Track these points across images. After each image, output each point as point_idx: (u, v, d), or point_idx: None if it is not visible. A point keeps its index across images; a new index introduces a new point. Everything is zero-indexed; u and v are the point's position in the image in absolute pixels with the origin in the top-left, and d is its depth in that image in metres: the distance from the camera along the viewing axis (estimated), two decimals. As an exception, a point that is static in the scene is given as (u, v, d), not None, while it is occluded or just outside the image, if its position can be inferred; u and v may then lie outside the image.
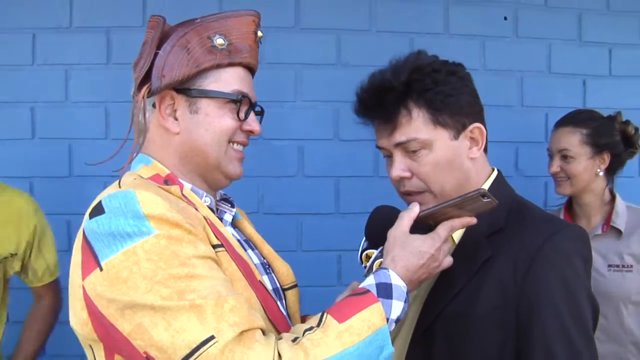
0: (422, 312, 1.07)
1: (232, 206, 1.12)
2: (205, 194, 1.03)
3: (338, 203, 2.17)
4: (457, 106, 1.04)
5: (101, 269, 0.82)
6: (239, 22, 1.02)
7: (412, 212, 1.00)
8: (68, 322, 0.92)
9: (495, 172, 1.13)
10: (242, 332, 0.80)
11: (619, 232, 1.81)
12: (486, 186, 1.09)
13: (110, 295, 0.81)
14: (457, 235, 1.07)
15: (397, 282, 0.92)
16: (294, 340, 0.83)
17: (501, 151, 2.24)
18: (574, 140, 1.81)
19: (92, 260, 0.84)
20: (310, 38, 2.13)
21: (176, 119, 1.00)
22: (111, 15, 2.05)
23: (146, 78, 0.97)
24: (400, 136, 1.03)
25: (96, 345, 0.89)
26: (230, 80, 1.01)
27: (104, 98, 2.04)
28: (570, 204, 1.94)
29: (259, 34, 1.06)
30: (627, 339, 1.78)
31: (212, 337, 0.78)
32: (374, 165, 2.17)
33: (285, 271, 1.11)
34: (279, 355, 0.80)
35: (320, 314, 0.88)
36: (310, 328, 0.85)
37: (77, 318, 0.88)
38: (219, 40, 0.99)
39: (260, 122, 1.08)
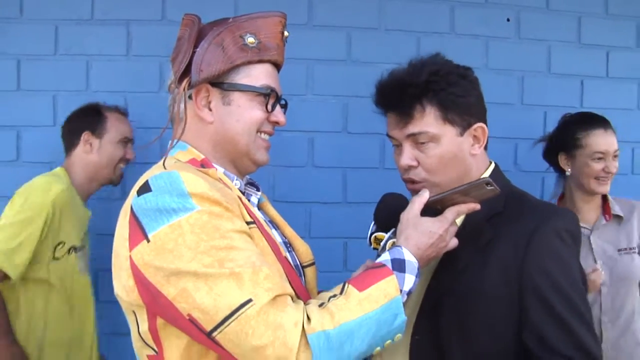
0: (429, 287, 1.16)
1: (258, 190, 1.21)
2: (235, 177, 1.11)
3: (345, 193, 2.24)
4: (465, 106, 1.14)
5: (148, 241, 0.90)
6: (267, 22, 1.11)
7: (422, 197, 1.10)
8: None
9: (493, 165, 1.24)
10: (275, 297, 0.88)
11: (619, 219, 1.96)
12: (485, 176, 1.19)
13: (158, 263, 0.89)
14: (459, 219, 1.16)
15: (410, 258, 1.02)
16: (321, 305, 0.92)
17: (501, 147, 2.32)
18: (616, 142, 1.95)
19: (140, 233, 0.92)
20: (322, 35, 2.20)
21: (210, 110, 1.08)
22: (131, 8, 2.12)
23: (185, 72, 1.05)
24: (413, 128, 1.13)
25: (139, 310, 0.97)
26: (259, 75, 1.10)
27: (123, 88, 2.12)
28: (561, 200, 2.07)
29: (285, 33, 1.15)
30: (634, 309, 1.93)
31: (250, 300, 0.86)
32: (380, 158, 2.25)
33: (304, 250, 1.20)
34: (308, 317, 0.88)
35: (342, 284, 0.98)
36: (334, 295, 0.95)
37: (123, 286, 0.96)
38: (250, 39, 1.07)
39: (284, 114, 1.18)
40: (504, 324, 1.09)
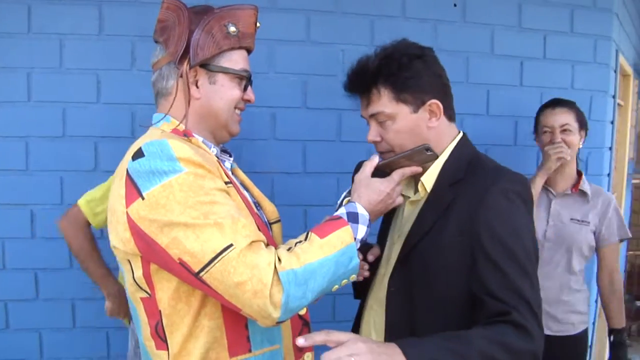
0: (402, 247, 1.31)
1: (230, 156, 1.37)
2: (212, 145, 1.27)
3: (305, 163, 2.40)
4: (416, 86, 1.26)
5: (143, 198, 1.04)
6: (244, 14, 1.25)
7: (372, 162, 1.29)
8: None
9: (460, 135, 1.36)
10: (251, 242, 1.04)
11: (584, 195, 2.24)
12: (451, 147, 1.32)
13: (152, 217, 1.03)
14: (429, 186, 1.31)
15: (362, 212, 1.20)
16: (289, 249, 1.09)
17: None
18: (571, 118, 2.22)
19: (135, 192, 1.06)
20: (283, 17, 2.32)
21: (197, 87, 1.22)
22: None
23: (183, 55, 1.19)
24: (372, 109, 1.30)
25: (134, 259, 1.11)
26: (239, 60, 1.26)
27: (96, 66, 2.22)
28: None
29: (258, 24, 1.31)
30: (569, 278, 2.23)
31: (231, 245, 1.01)
32: (336, 131, 2.41)
33: (271, 209, 1.37)
34: (279, 258, 1.05)
35: (305, 232, 1.14)
36: (300, 241, 1.11)
37: (120, 237, 1.10)
38: (232, 28, 1.22)
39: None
40: (457, 272, 1.22)
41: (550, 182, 2.28)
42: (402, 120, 1.28)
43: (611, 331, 2.27)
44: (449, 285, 1.23)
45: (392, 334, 1.31)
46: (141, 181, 1.05)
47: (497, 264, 1.15)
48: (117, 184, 1.12)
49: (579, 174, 2.30)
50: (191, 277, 1.04)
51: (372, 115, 1.30)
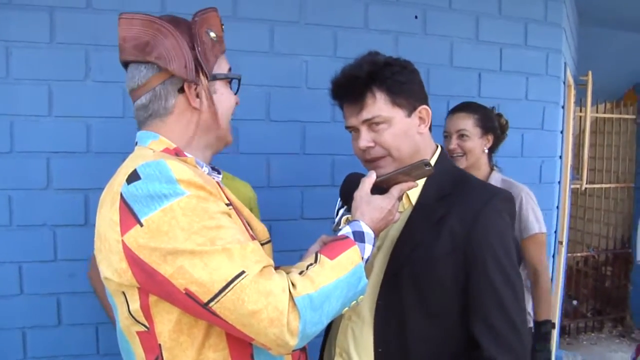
0: (391, 258, 1.31)
1: (219, 173, 1.29)
2: (204, 164, 1.19)
3: (269, 177, 2.35)
4: (410, 92, 1.31)
5: (141, 225, 0.97)
6: (212, 17, 1.20)
7: (371, 178, 1.27)
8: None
9: (440, 149, 1.40)
10: (263, 268, 1.00)
11: None
12: (434, 159, 1.36)
13: (154, 245, 0.96)
14: (414, 199, 1.34)
15: (367, 230, 1.18)
16: (301, 273, 1.05)
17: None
18: (469, 123, 2.21)
19: (132, 218, 0.98)
20: (246, 27, 2.27)
21: (200, 100, 1.15)
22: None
23: (195, 70, 1.12)
24: (367, 114, 1.29)
25: (130, 290, 1.03)
26: (224, 65, 1.21)
27: (47, 76, 2.08)
28: None
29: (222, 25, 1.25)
30: None
31: (243, 272, 0.96)
32: (300, 144, 2.38)
33: (261, 229, 1.30)
34: (293, 284, 1.01)
35: (314, 254, 1.11)
36: (311, 264, 1.08)
37: (114, 268, 1.01)
38: (212, 34, 1.17)
39: None
40: (449, 284, 1.25)
41: None
42: (398, 123, 1.30)
43: (535, 323, 2.28)
44: (442, 299, 1.26)
45: (382, 346, 1.30)
46: (138, 206, 0.98)
47: (492, 280, 1.22)
48: (107, 209, 1.03)
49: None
50: (198, 307, 0.98)
51: (366, 121, 1.30)
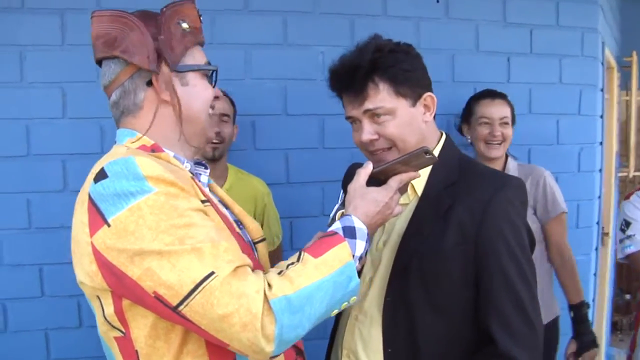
0: (398, 252, 1.25)
1: (206, 168, 1.23)
2: (185, 160, 1.14)
3: (288, 173, 2.29)
4: (414, 79, 1.23)
5: (109, 225, 0.92)
6: (188, 8, 1.15)
7: (367, 169, 1.18)
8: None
9: (444, 135, 1.33)
10: (236, 268, 0.93)
11: None
12: (439, 147, 1.29)
13: (121, 246, 0.91)
14: (419, 189, 1.27)
15: (359, 226, 1.09)
16: (280, 272, 0.98)
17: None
18: (508, 110, 2.18)
19: (100, 218, 0.93)
20: (258, 20, 2.22)
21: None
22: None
23: (158, 59, 1.07)
24: (369, 105, 1.20)
25: (104, 294, 0.99)
26: (199, 56, 1.15)
27: (60, 78, 2.08)
28: None
29: (200, 16, 1.19)
30: None
31: (212, 273, 0.90)
32: (319, 138, 2.31)
33: (254, 227, 1.25)
34: (269, 284, 0.94)
35: (298, 252, 1.03)
36: (292, 263, 1.00)
37: (86, 272, 0.97)
38: (185, 25, 1.11)
39: None
40: (458, 279, 1.20)
41: None
42: (402, 114, 1.23)
43: (570, 307, 2.20)
44: (451, 293, 1.21)
45: (392, 346, 1.25)
46: (105, 205, 0.94)
47: (506, 272, 1.18)
48: (78, 210, 0.99)
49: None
50: (169, 311, 0.92)
51: (368, 112, 1.22)
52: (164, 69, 1.07)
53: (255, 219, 2.08)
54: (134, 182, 0.94)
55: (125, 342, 1.02)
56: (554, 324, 2.24)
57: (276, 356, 0.97)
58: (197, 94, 1.12)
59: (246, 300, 0.90)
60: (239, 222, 1.22)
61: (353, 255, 1.04)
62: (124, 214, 0.92)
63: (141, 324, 0.99)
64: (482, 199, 1.19)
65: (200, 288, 0.89)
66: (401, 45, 1.26)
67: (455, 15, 2.44)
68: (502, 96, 2.22)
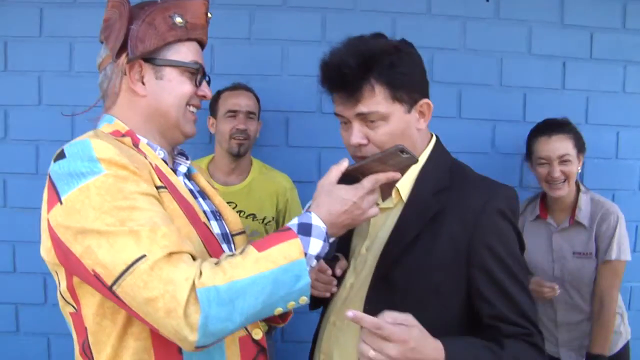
0: (380, 260, 1.18)
1: (187, 159, 1.24)
2: (159, 147, 1.15)
3: (319, 172, 2.26)
4: (412, 84, 1.15)
5: (61, 203, 0.96)
6: (192, 5, 1.15)
7: (340, 166, 1.09)
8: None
9: (434, 138, 1.25)
10: (170, 254, 0.92)
11: (583, 225, 2.01)
12: (428, 149, 1.22)
13: (67, 223, 0.94)
14: (405, 194, 1.20)
15: (317, 223, 1.02)
16: (217, 263, 0.96)
17: (478, 129, 2.33)
18: (569, 146, 1.98)
19: (55, 196, 0.97)
20: (297, 16, 2.21)
21: (143, 84, 1.12)
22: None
23: (122, 49, 1.10)
24: (362, 108, 1.13)
25: (60, 270, 1.03)
26: (188, 52, 1.14)
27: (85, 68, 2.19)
28: (544, 197, 2.12)
29: (209, 15, 1.19)
30: (584, 309, 2.05)
31: (143, 256, 0.90)
32: (353, 138, 2.27)
33: (233, 219, 1.24)
34: (201, 273, 0.92)
35: (245, 245, 1.01)
36: (233, 255, 0.98)
37: (44, 247, 1.02)
38: (178, 19, 1.12)
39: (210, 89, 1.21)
40: (448, 293, 1.14)
41: (549, 214, 2.10)
42: (396, 120, 1.15)
43: (588, 355, 2.01)
44: (443, 308, 1.15)
45: None
46: (60, 184, 0.97)
47: (503, 286, 1.14)
48: (45, 189, 1.03)
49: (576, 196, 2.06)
50: (105, 290, 0.93)
51: (360, 115, 1.15)
52: (123, 58, 1.09)
53: (277, 213, 2.07)
54: (87, 162, 0.97)
55: (77, 318, 1.04)
56: (626, 351, 2.10)
57: (204, 347, 0.93)
58: (170, 88, 1.13)
59: (173, 287, 0.89)
60: (217, 213, 1.20)
61: (306, 254, 0.99)
62: (74, 193, 0.95)
63: (90, 302, 1.01)
64: (474, 208, 1.13)
65: (130, 269, 0.90)
66: (401, 44, 1.17)
67: (506, 16, 2.32)
68: (561, 129, 2.01)
